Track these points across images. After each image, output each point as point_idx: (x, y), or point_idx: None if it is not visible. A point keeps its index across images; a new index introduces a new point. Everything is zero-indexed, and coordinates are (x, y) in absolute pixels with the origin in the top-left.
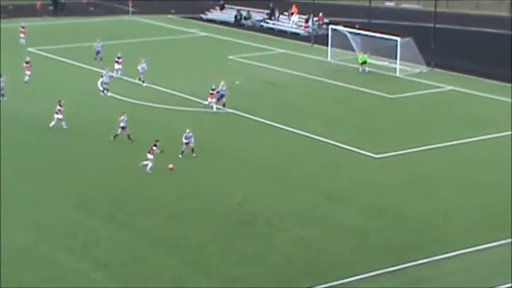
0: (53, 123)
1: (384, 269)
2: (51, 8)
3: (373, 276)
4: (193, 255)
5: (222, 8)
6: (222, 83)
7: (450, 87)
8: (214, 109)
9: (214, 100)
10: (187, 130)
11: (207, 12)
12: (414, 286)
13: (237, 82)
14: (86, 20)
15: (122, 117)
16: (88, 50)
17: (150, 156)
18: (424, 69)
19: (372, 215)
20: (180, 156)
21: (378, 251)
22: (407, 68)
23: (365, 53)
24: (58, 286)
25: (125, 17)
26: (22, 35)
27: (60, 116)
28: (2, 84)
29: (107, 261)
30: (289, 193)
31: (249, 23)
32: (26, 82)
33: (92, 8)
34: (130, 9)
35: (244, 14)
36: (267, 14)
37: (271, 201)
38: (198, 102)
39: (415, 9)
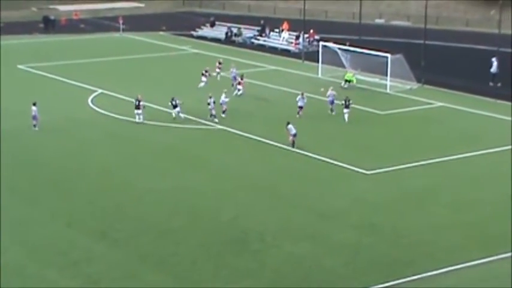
0: (136, 118)
1: (376, 285)
2: (41, 25)
3: None
4: (185, 271)
5: (212, 25)
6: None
7: (440, 104)
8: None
9: None
10: None
11: (198, 29)
12: None
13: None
14: (76, 37)
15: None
16: (79, 67)
17: None
18: (415, 85)
19: (364, 231)
20: None
21: (370, 267)
22: (397, 84)
23: (355, 72)
24: None
25: (115, 34)
26: (217, 70)
27: (140, 111)
28: (34, 114)
29: (98, 278)
30: (281, 209)
31: (239, 39)
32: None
33: (82, 25)
34: (121, 26)
35: (235, 30)
36: (258, 30)
37: (263, 218)
38: (189, 119)
39: (405, 26)
